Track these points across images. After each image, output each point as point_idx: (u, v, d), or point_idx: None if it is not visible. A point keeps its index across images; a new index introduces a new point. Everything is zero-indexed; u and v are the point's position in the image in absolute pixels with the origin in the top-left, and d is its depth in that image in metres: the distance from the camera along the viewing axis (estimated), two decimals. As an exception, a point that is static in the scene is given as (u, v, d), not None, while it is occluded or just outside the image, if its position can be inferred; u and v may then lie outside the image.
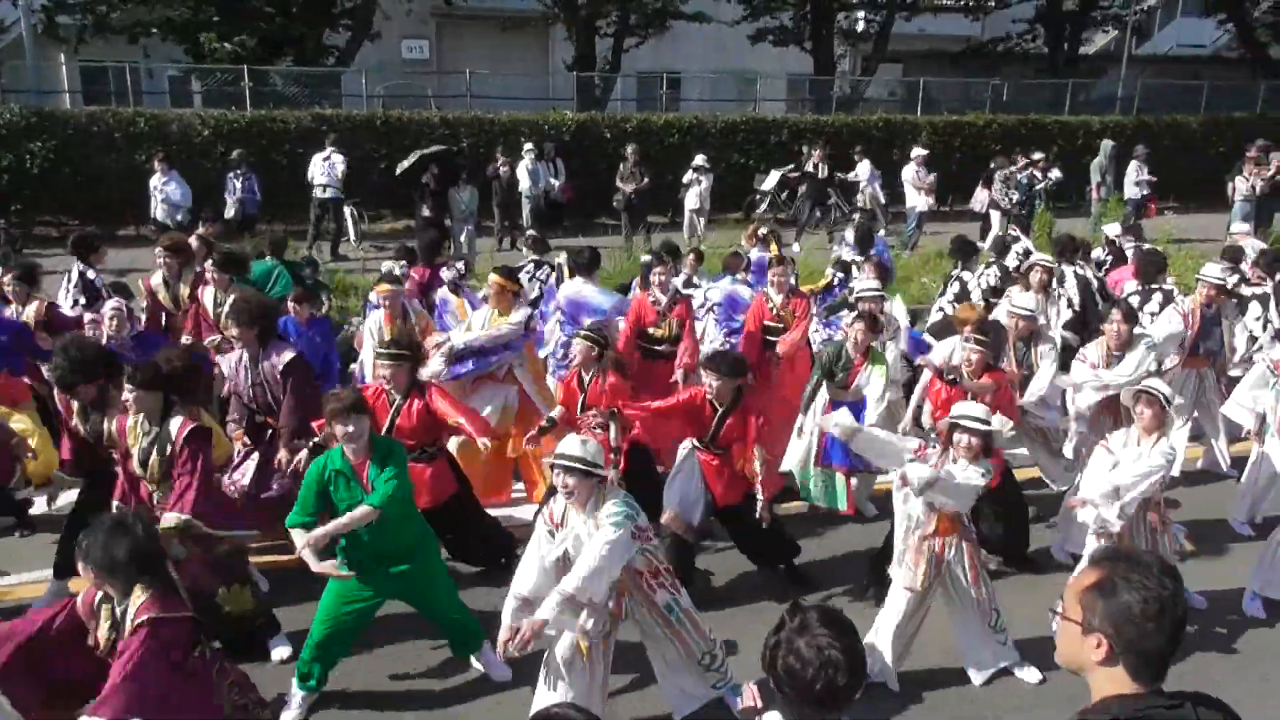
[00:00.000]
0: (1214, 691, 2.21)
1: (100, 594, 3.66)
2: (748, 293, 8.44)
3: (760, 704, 2.62)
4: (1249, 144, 17.27)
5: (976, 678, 5.12)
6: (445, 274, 8.47)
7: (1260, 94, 23.98)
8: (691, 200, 15.91)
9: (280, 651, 5.23)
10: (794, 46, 24.39)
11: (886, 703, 4.96)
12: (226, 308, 6.91)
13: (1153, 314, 8.10)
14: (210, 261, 7.59)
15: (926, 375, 6.63)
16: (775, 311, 7.51)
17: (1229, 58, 29.51)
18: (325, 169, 14.77)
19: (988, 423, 4.80)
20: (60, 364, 5.19)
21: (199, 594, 4.66)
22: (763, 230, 10.15)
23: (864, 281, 7.67)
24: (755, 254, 9.55)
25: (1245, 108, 23.18)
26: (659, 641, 4.64)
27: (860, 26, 26.49)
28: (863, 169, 16.56)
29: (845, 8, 24.60)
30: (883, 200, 16.67)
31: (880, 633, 5.06)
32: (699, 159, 15.83)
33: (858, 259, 9.34)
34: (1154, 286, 8.51)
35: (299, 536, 4.53)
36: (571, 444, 4.29)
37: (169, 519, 4.77)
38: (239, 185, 14.09)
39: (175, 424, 4.90)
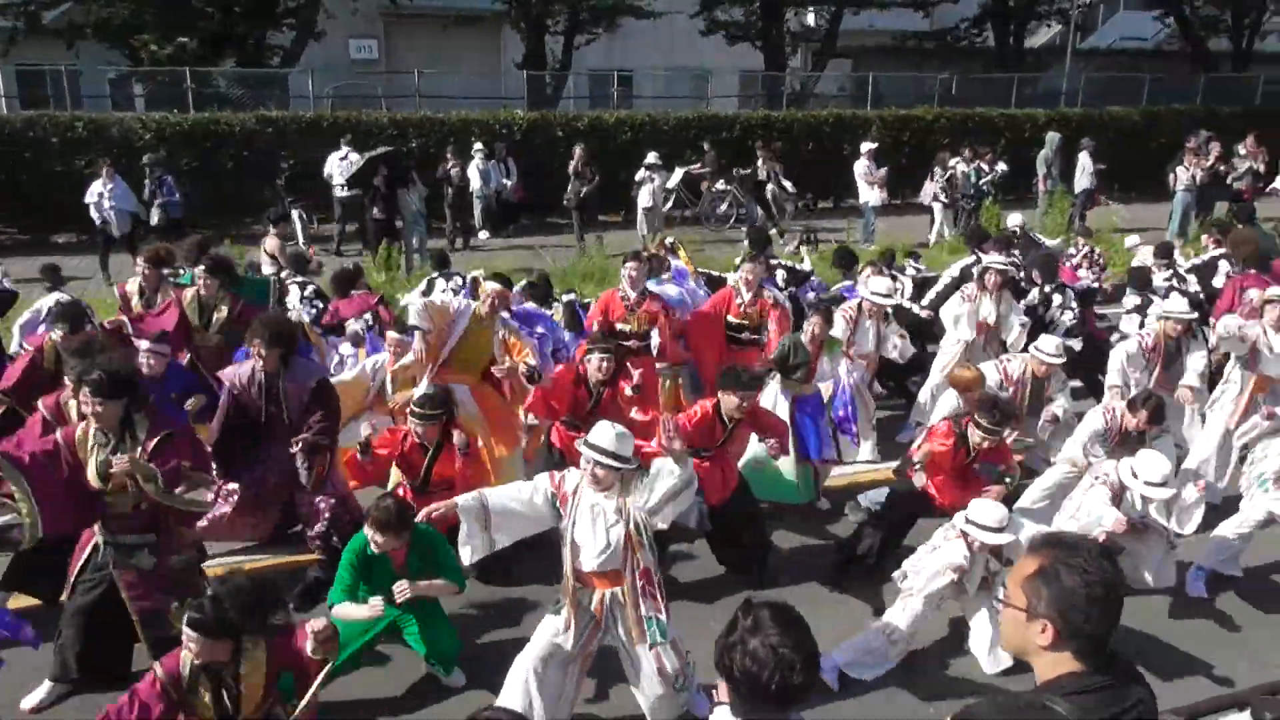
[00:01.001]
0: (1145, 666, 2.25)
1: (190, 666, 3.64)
2: (675, 291, 8.42)
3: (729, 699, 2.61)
4: (1189, 135, 17.63)
5: (990, 667, 5.14)
6: (354, 324, 8.00)
7: (1199, 86, 24.47)
8: (644, 199, 15.88)
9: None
10: (745, 43, 24.48)
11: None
12: (217, 317, 6.89)
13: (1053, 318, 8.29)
14: (200, 267, 7.25)
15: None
16: (743, 309, 7.55)
17: (1169, 51, 30.10)
18: (343, 169, 14.58)
19: (1001, 530, 4.82)
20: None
21: (154, 611, 4.62)
22: (669, 240, 10.17)
23: (879, 284, 7.70)
24: (673, 262, 9.55)
25: (1185, 100, 23.63)
26: (638, 659, 4.46)
27: (810, 22, 26.66)
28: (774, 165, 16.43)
29: (795, 3, 24.71)
30: (790, 190, 16.61)
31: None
32: (651, 157, 15.81)
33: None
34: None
35: (347, 609, 4.74)
36: (604, 433, 4.26)
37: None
38: (160, 190, 13.73)
39: (141, 432, 4.67)
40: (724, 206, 17.12)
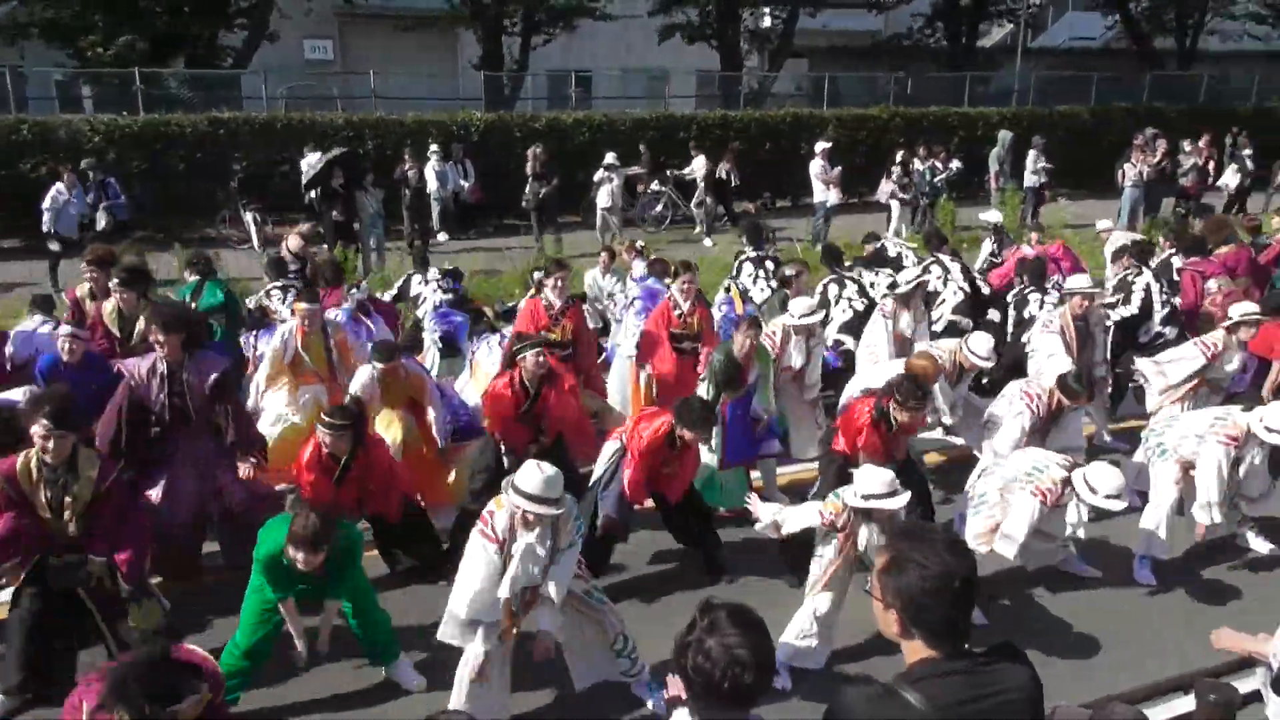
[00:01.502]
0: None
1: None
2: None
3: (684, 694, 2.63)
4: (1137, 133, 17.99)
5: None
6: (354, 295, 8.20)
7: (1146, 85, 24.96)
8: (603, 199, 15.89)
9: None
10: (703, 43, 24.57)
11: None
12: (138, 329, 6.74)
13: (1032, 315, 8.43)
14: (115, 280, 7.12)
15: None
16: (682, 318, 7.58)
17: (1117, 50, 30.67)
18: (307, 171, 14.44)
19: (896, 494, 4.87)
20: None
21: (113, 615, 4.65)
22: (639, 243, 10.23)
23: (803, 304, 7.55)
24: (639, 265, 9.59)
25: (1132, 98, 24.09)
26: (575, 626, 4.74)
27: (766, 23, 26.81)
28: (698, 164, 16.44)
29: (751, 5, 24.85)
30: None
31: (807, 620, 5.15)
32: (609, 157, 15.82)
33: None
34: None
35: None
36: (530, 478, 4.27)
37: (96, 563, 4.67)
38: (105, 194, 13.46)
39: (89, 464, 4.67)
40: (659, 207, 17.04)
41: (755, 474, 7.25)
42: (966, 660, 2.26)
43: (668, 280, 8.52)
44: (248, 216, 14.90)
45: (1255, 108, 24.53)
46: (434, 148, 15.74)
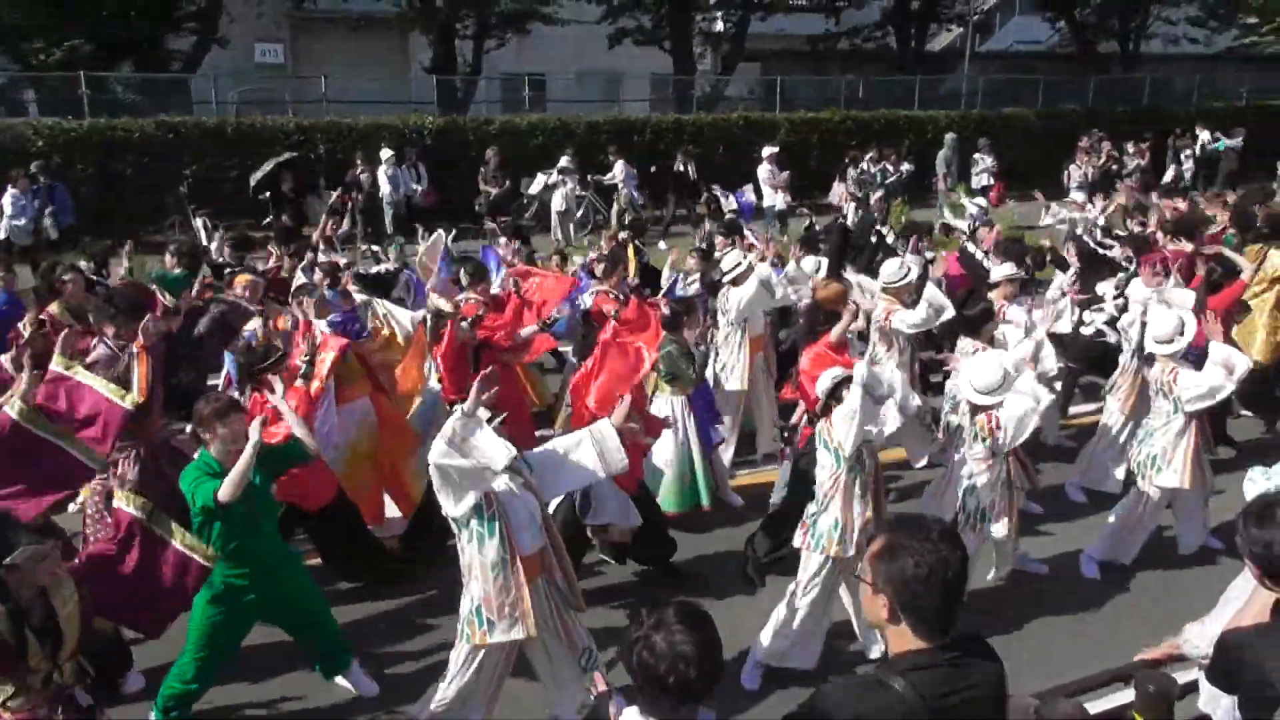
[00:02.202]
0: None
1: None
2: None
3: (609, 688, 2.68)
4: (1082, 135, 18.37)
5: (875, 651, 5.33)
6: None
7: (1091, 87, 25.47)
8: (558, 203, 15.91)
9: (133, 686, 5.02)
10: (656, 47, 24.64)
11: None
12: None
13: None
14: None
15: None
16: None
17: (1063, 54, 31.22)
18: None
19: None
20: None
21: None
22: (622, 235, 10.28)
23: (730, 256, 7.83)
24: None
25: (1078, 101, 24.57)
26: (554, 639, 4.52)
27: (719, 26, 26.95)
28: (618, 169, 16.36)
29: (703, 8, 24.96)
30: (639, 201, 16.57)
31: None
32: (564, 160, 15.82)
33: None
34: None
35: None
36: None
37: None
38: (51, 199, 13.21)
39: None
40: (580, 212, 16.79)
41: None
42: (950, 652, 2.31)
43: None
44: (198, 222, 14.68)
45: (1196, 109, 25.12)
46: (386, 151, 15.64)
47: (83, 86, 16.37)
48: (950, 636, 2.34)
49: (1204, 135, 19.08)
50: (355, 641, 5.26)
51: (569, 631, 4.49)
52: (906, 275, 7.51)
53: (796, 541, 5.13)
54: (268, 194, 13.96)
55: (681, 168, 16.76)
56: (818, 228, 10.60)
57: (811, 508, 5.07)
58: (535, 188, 16.68)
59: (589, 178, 16.83)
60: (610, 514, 5.64)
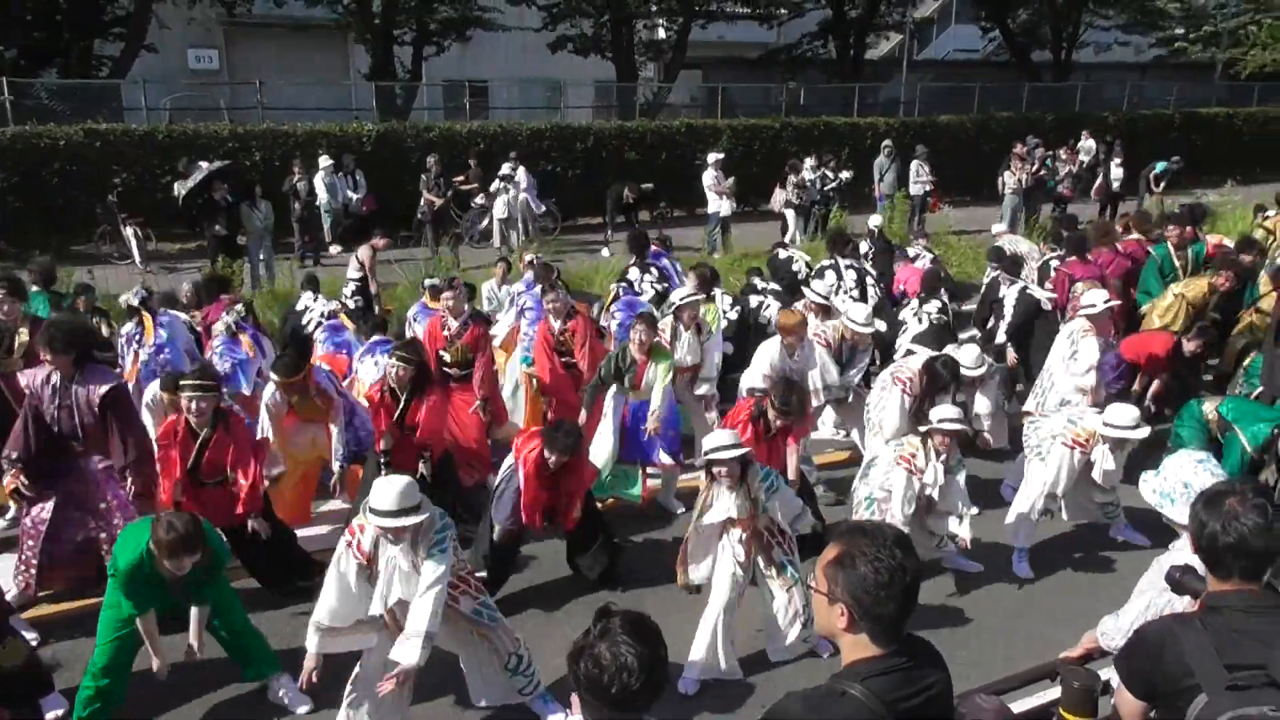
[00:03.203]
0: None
1: None
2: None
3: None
4: (1016, 141, 18.70)
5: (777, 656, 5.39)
6: (226, 316, 7.94)
7: (1024, 95, 26.00)
8: (499, 209, 15.81)
9: (54, 711, 4.86)
10: (599, 54, 24.66)
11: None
12: (19, 341, 6.52)
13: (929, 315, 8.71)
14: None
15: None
16: (557, 337, 7.61)
17: (997, 62, 31.86)
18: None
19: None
20: None
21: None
22: (537, 256, 10.28)
23: (683, 290, 7.88)
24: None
25: (1012, 108, 25.06)
26: (468, 644, 4.75)
27: (660, 34, 27.06)
28: (520, 176, 16.06)
29: (643, 16, 25.04)
30: (540, 209, 16.27)
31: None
32: (506, 167, 15.73)
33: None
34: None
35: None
36: (383, 495, 4.18)
37: None
38: None
39: None
40: (485, 223, 16.45)
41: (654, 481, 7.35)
42: (902, 658, 2.31)
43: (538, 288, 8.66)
44: (128, 231, 14.37)
45: (1126, 115, 25.76)
46: (324, 159, 15.43)
47: (5, 93, 15.92)
48: (902, 641, 2.35)
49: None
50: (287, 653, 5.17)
51: (485, 636, 4.69)
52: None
53: None
54: (199, 202, 13.66)
55: (630, 199, 16.67)
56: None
57: None
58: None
59: (455, 180, 16.17)
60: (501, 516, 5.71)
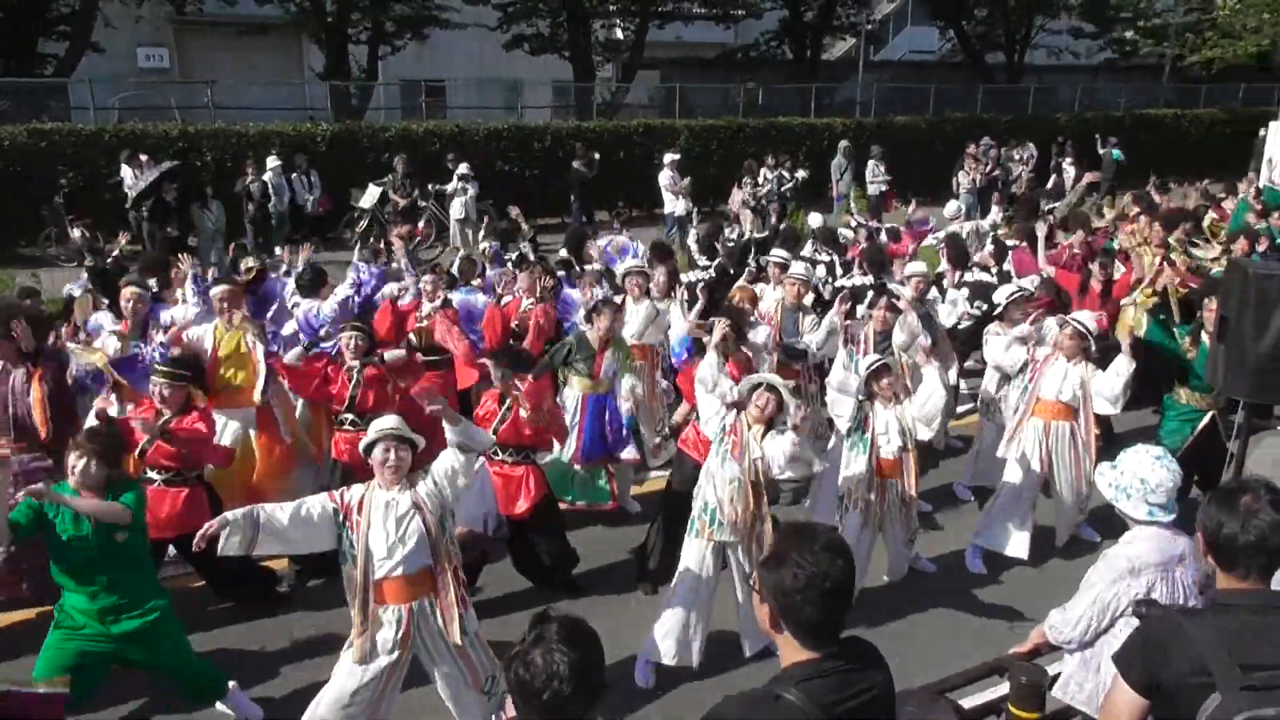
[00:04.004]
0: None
1: None
2: (483, 300, 8.40)
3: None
4: (970, 142, 18.93)
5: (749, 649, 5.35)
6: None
7: (979, 96, 26.33)
8: (457, 210, 15.68)
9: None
10: (557, 54, 24.57)
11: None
12: None
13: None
14: None
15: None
16: (518, 316, 7.63)
17: (952, 63, 32.25)
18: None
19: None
20: None
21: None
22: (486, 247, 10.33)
23: (630, 260, 7.97)
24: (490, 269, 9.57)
25: (966, 108, 25.36)
26: (447, 663, 4.43)
27: (618, 34, 27.04)
28: (369, 194, 15.61)
29: (600, 16, 24.99)
30: (481, 210, 15.81)
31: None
32: (462, 168, 15.60)
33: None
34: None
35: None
36: (386, 419, 4.31)
37: None
38: None
39: None
40: (420, 224, 15.77)
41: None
42: (839, 661, 2.31)
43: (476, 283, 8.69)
44: (75, 233, 14.06)
45: (1077, 116, 26.15)
46: (272, 159, 15.23)
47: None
48: (838, 644, 2.34)
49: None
50: (239, 663, 5.11)
51: (464, 653, 4.38)
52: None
53: None
54: (149, 203, 13.44)
55: (583, 168, 16.55)
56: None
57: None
58: (366, 201, 15.60)
59: (430, 188, 15.98)
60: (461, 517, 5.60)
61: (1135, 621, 3.32)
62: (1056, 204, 14.41)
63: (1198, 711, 2.41)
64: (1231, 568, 2.61)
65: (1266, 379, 4.59)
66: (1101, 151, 19.74)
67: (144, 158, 14.20)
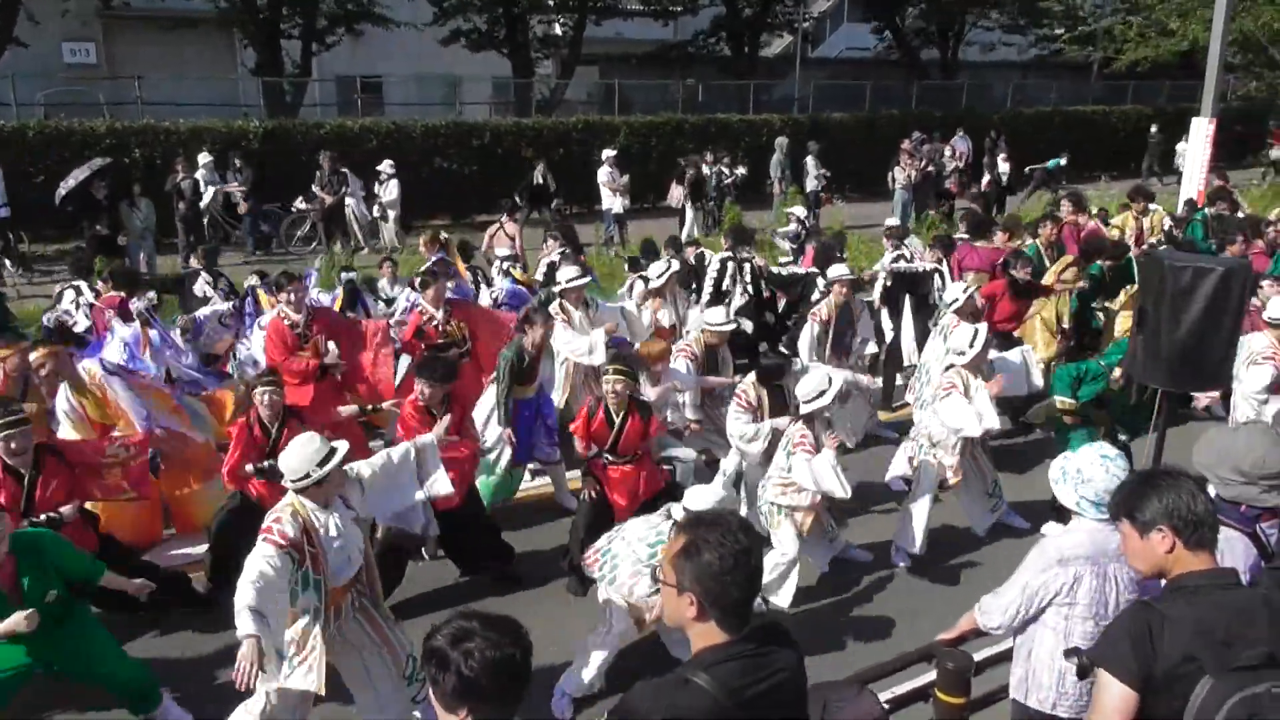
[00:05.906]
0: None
1: None
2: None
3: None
4: (905, 139, 19.20)
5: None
6: (135, 304, 7.64)
7: (914, 93, 26.71)
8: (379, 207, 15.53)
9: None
10: (496, 50, 24.39)
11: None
12: None
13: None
14: None
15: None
16: (439, 327, 7.50)
17: (888, 60, 32.66)
18: None
19: None
20: None
21: None
22: (444, 235, 10.22)
23: (568, 271, 7.92)
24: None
25: (902, 106, 25.70)
26: (367, 652, 4.45)
27: (556, 30, 26.95)
28: (350, 179, 15.47)
29: (538, 11, 24.87)
30: (368, 217, 15.71)
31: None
32: (385, 165, 15.42)
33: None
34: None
35: None
36: (292, 457, 4.12)
37: None
38: None
39: None
40: (305, 228, 15.64)
41: (544, 479, 7.33)
42: (750, 644, 2.33)
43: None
44: (-2, 235, 13.66)
45: (1009, 113, 26.66)
46: (204, 156, 14.93)
47: None
48: (750, 627, 2.36)
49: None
50: (171, 673, 5.04)
51: (385, 638, 4.47)
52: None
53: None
54: (78, 201, 13.10)
55: (540, 180, 16.51)
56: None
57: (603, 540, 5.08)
58: (205, 199, 14.86)
59: (314, 189, 15.38)
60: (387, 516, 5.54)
61: (1064, 611, 3.43)
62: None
63: (1190, 698, 2.45)
64: (1197, 544, 2.69)
65: (1183, 368, 4.76)
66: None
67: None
